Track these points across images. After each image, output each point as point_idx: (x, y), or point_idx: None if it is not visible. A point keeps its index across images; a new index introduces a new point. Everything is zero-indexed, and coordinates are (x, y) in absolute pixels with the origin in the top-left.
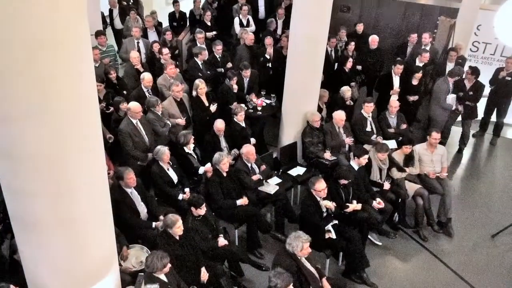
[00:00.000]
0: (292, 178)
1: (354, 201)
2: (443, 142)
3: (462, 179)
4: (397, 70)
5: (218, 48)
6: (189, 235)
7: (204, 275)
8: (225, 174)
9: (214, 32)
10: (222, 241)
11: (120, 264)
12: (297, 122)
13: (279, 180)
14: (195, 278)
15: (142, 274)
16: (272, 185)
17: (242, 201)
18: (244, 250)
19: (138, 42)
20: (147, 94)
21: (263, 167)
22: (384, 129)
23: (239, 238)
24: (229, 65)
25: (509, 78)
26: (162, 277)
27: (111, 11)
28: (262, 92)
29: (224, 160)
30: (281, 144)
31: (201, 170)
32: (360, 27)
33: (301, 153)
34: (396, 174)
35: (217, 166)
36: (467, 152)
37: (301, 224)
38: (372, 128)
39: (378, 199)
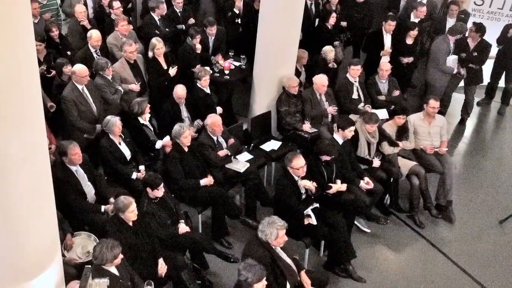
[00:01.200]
0: (265, 153)
1: (338, 181)
2: (442, 111)
3: (465, 155)
4: (388, 27)
5: (179, 1)
6: (144, 220)
7: (162, 267)
8: (186, 149)
9: None
10: (183, 227)
11: (63, 255)
12: (271, 88)
13: (250, 156)
14: (151, 271)
15: (89, 266)
16: (241, 162)
17: (207, 180)
18: (209, 238)
19: None
20: (95, 55)
21: (231, 140)
22: (373, 96)
23: (203, 224)
24: (192, 21)
25: None
26: (113, 269)
27: None
28: (230, 53)
29: (185, 132)
30: (253, 114)
31: (159, 144)
32: None
33: (275, 125)
34: (387, 149)
35: (177, 140)
36: (470, 123)
37: (276, 208)
38: (359, 95)
39: (366, 179)
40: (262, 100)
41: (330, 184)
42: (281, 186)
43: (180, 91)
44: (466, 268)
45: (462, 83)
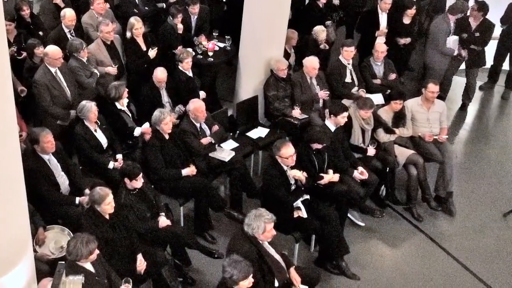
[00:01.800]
0: (252, 141)
1: (330, 171)
2: (442, 96)
3: (466, 143)
4: (384, 6)
5: None
6: (122, 213)
7: (141, 263)
8: (167, 137)
9: None
10: (163, 221)
11: (35, 250)
12: (258, 71)
13: (235, 144)
14: (129, 268)
15: (63, 262)
16: (226, 151)
17: (189, 170)
18: (191, 232)
19: None
20: (69, 35)
21: (215, 127)
22: (368, 79)
23: (185, 217)
24: None
25: None
26: (88, 266)
27: None
28: (214, 33)
29: (166, 119)
30: (238, 99)
31: (137, 131)
32: None
33: (263, 110)
34: (383, 136)
35: (157, 127)
36: (472, 109)
37: (264, 200)
38: (352, 79)
39: (361, 168)
40: (249, 84)
41: (322, 174)
42: (269, 177)
43: (160, 74)
44: (468, 264)
45: (463, 66)
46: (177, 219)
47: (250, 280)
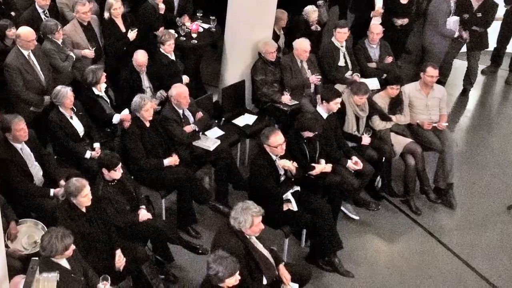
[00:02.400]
0: (238, 129)
1: (323, 161)
2: (442, 81)
3: (468, 131)
4: None
5: None
6: (99, 206)
7: (120, 259)
8: (148, 124)
9: None
10: (144, 214)
11: (6, 246)
12: (245, 54)
13: (221, 132)
14: (107, 264)
15: (36, 258)
16: (211, 139)
17: (171, 160)
18: (173, 226)
19: None
20: (43, 16)
21: (200, 114)
22: (362, 63)
23: (167, 210)
24: None
25: None
26: (64, 262)
27: None
28: (198, 14)
29: (146, 105)
30: (224, 84)
31: (116, 118)
32: None
33: (250, 96)
34: (378, 124)
35: (137, 114)
36: (474, 94)
37: (251, 192)
38: (346, 62)
39: (355, 158)
40: (235, 68)
41: (313, 164)
42: (257, 167)
43: (140, 57)
44: (469, 260)
45: (464, 49)
46: (158, 212)
47: (236, 277)
